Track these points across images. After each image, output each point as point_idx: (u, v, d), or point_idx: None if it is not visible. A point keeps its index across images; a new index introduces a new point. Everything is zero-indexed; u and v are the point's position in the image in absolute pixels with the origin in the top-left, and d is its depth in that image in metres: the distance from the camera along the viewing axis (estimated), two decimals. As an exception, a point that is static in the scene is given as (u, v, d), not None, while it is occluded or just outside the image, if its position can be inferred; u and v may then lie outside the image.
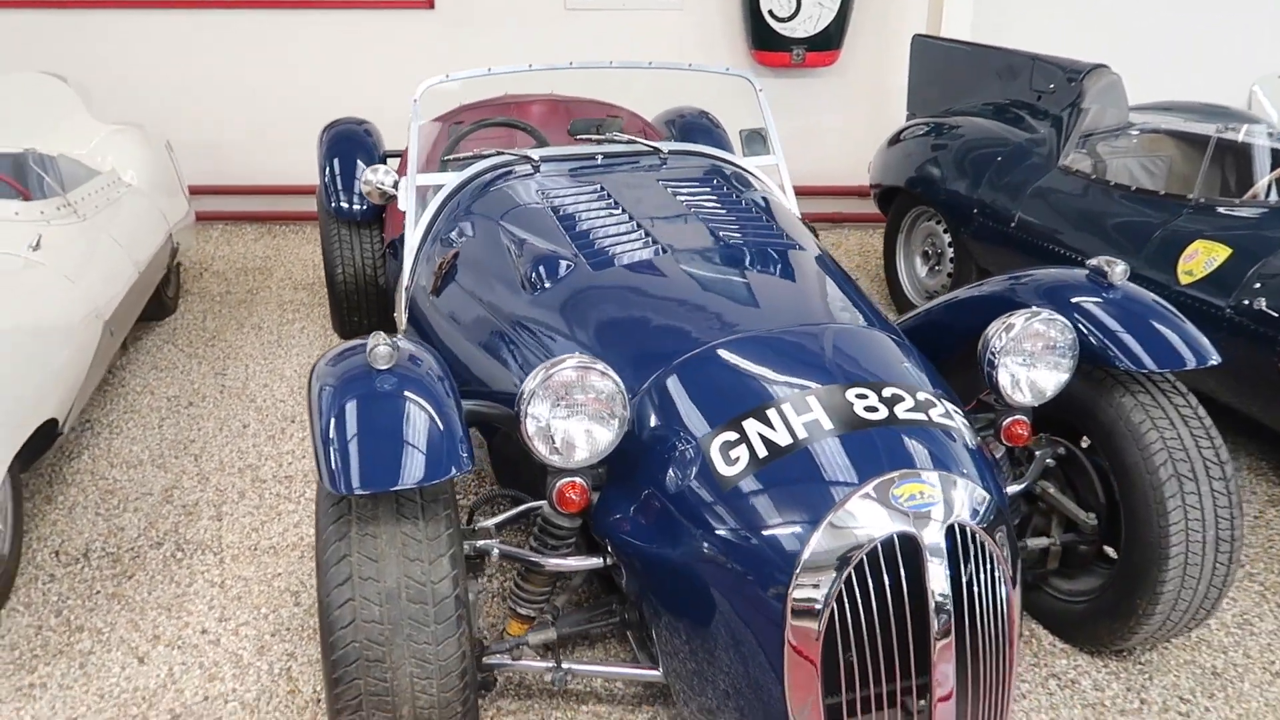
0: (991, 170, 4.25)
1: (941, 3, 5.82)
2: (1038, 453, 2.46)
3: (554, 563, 2.10)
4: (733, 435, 1.92)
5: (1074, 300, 2.42)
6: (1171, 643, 2.61)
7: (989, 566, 1.81)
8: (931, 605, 1.73)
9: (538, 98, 4.59)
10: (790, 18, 5.94)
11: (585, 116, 4.49)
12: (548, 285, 2.56)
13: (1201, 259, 3.26)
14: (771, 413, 1.93)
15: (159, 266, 4.35)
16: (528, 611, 2.19)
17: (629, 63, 3.75)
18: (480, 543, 2.07)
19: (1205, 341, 2.35)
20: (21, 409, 2.72)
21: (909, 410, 1.94)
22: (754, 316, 2.28)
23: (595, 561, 2.09)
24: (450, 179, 3.31)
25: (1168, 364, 2.30)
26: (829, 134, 6.30)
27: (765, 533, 1.80)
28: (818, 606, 1.74)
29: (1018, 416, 2.30)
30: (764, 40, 6.05)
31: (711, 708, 1.95)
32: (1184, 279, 3.28)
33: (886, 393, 1.97)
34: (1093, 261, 2.48)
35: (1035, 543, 2.46)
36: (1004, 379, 2.22)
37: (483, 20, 6.08)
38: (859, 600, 1.74)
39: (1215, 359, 2.32)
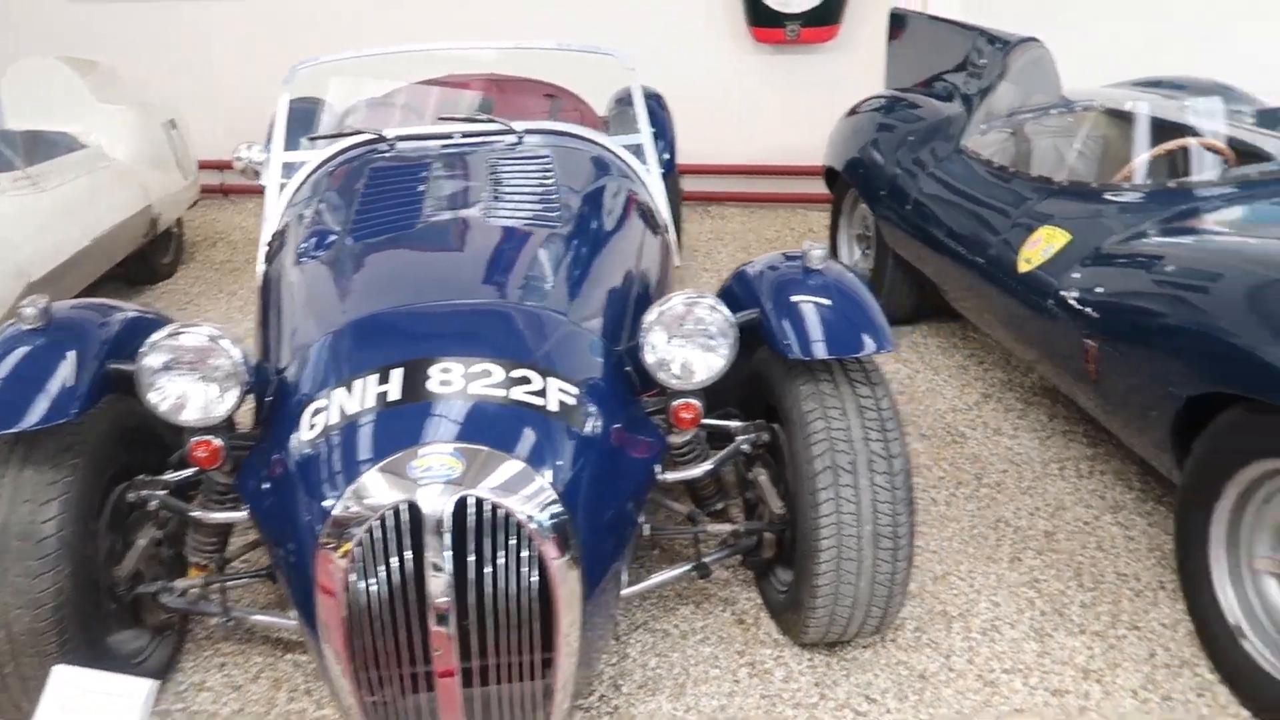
0: (903, 149, 4.08)
1: (935, -23, 5.55)
2: (737, 438, 2.43)
3: (199, 515, 2.25)
4: (323, 403, 2.03)
5: (770, 285, 2.38)
6: (895, 639, 2.52)
7: (514, 547, 1.82)
8: (429, 584, 1.78)
9: (479, 77, 4.72)
10: (782, -8, 5.81)
11: (519, 96, 4.61)
12: (312, 257, 2.73)
13: (1041, 246, 3.06)
14: (358, 383, 2.03)
15: (129, 236, 4.79)
16: (198, 559, 2.36)
17: (501, 44, 3.85)
18: (144, 492, 2.26)
19: (885, 328, 2.27)
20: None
21: (489, 386, 1.99)
22: (436, 291, 2.37)
23: (239, 515, 2.24)
24: (312, 157, 3.52)
25: (839, 351, 2.23)
26: (827, 113, 6.10)
27: (306, 499, 1.90)
28: (337, 577, 1.81)
29: (686, 400, 2.29)
30: (759, 16, 5.95)
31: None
32: (1022, 267, 3.09)
33: (478, 368, 2.02)
34: (804, 245, 2.42)
35: (716, 528, 2.44)
36: (649, 357, 2.22)
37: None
38: (368, 573, 1.81)
39: (890, 347, 2.24)
